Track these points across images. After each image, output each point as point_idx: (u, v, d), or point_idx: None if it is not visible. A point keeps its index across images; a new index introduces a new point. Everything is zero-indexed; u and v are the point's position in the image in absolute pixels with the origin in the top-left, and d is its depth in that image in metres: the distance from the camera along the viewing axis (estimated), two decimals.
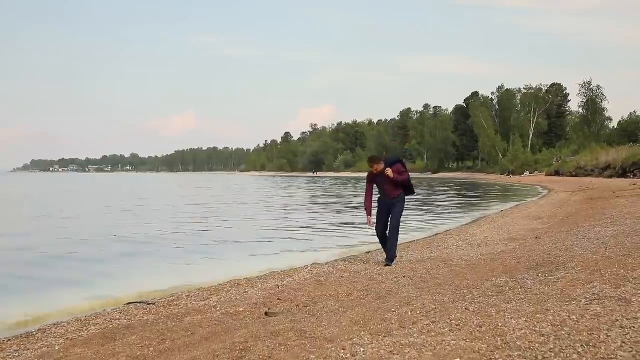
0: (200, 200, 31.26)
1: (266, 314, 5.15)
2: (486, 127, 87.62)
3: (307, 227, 15.79)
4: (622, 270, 5.46)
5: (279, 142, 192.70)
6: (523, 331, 3.63)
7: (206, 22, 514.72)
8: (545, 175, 58.71)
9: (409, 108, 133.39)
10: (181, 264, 9.70)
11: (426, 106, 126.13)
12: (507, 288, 5.32)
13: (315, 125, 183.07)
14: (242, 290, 6.69)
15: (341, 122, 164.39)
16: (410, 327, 4.12)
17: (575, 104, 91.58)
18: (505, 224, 13.74)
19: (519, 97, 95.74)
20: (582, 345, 3.27)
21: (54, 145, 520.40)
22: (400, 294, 5.56)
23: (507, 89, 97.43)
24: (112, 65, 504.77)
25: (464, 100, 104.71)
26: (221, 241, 12.66)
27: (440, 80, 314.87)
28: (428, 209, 22.91)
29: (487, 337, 3.59)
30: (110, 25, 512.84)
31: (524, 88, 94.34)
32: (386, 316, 4.57)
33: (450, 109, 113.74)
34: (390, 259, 7.92)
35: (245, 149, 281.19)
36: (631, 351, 3.16)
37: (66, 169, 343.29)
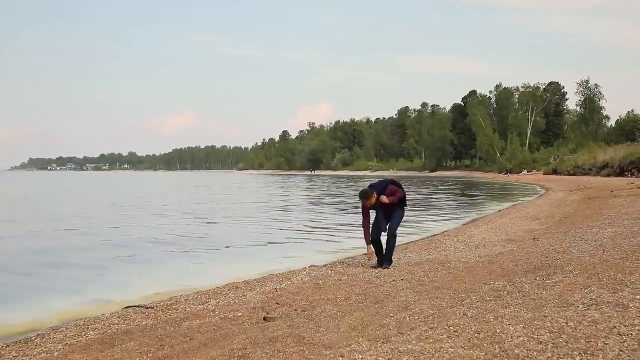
0: (198, 200, 31.24)
1: (264, 318, 5.15)
2: (484, 125, 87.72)
3: (305, 228, 15.81)
4: (620, 274, 5.47)
5: (276, 141, 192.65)
6: (521, 338, 3.64)
7: (205, 22, 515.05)
8: (543, 174, 58.78)
9: (407, 106, 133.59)
10: (179, 266, 9.71)
11: (424, 104, 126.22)
12: (505, 292, 5.34)
13: (313, 123, 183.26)
14: (241, 294, 6.69)
15: (339, 121, 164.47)
16: (409, 333, 4.13)
17: (572, 103, 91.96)
18: (503, 224, 13.77)
19: (517, 96, 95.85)
20: (579, 354, 3.28)
21: (52, 143, 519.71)
22: (399, 298, 5.57)
23: (504, 87, 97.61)
24: (110, 64, 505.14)
25: (462, 98, 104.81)
26: (219, 242, 12.65)
27: (439, 80, 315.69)
28: (426, 209, 22.94)
29: (485, 345, 3.60)
30: (109, 25, 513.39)
31: (521, 86, 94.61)
32: (384, 321, 4.57)
33: (448, 108, 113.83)
34: (388, 260, 7.91)
35: (243, 147, 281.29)
36: (629, 359, 3.17)
37: (64, 167, 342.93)
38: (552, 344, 3.49)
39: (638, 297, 4.52)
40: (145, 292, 7.34)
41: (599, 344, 3.43)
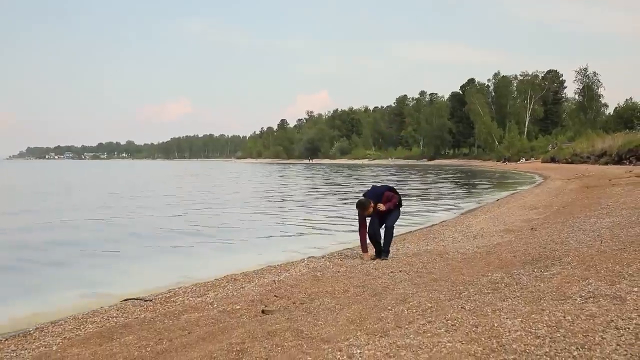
0: (196, 190, 31.22)
1: (263, 311, 5.16)
2: (482, 114, 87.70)
3: (304, 219, 15.81)
4: (618, 266, 5.47)
5: (275, 129, 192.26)
6: (518, 333, 3.65)
7: (202, 9, 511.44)
8: (541, 162, 58.85)
9: (405, 95, 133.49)
10: (177, 258, 9.72)
11: (422, 93, 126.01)
12: (503, 284, 5.34)
13: (311, 112, 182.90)
14: (239, 286, 6.69)
15: (337, 109, 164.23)
16: (407, 326, 4.14)
17: (571, 91, 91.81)
18: (501, 214, 13.78)
19: (515, 84, 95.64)
20: (577, 348, 3.28)
21: (50, 132, 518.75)
22: (397, 291, 5.57)
23: (503, 75, 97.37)
24: (108, 53, 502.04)
25: (460, 87, 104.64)
26: (218, 234, 12.67)
27: (438, 68, 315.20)
28: (424, 198, 22.97)
29: (483, 339, 3.60)
30: (107, 15, 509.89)
31: (520, 75, 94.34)
32: (382, 315, 4.58)
33: (447, 96, 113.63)
34: (386, 252, 7.92)
35: (241, 136, 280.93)
36: (626, 354, 3.17)
37: (62, 156, 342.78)
38: (550, 338, 3.49)
39: (635, 289, 4.52)
40: (144, 284, 7.34)
41: (596, 339, 3.43)
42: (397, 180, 39.11)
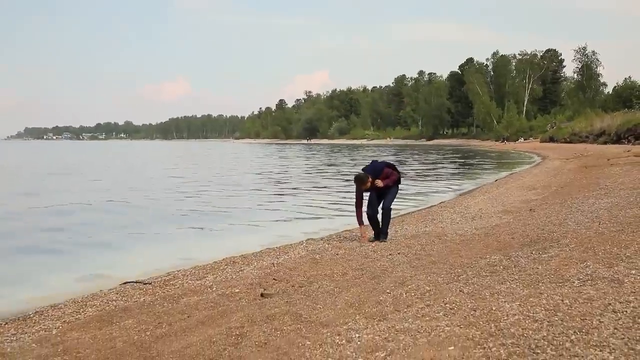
0: (196, 171, 31.17)
1: (262, 295, 5.17)
2: (481, 93, 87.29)
3: (303, 200, 15.81)
4: (615, 248, 5.49)
5: (273, 110, 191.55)
6: (516, 316, 3.66)
7: None
8: (540, 142, 58.70)
9: (404, 75, 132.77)
10: (176, 240, 9.73)
11: (421, 73, 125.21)
12: (501, 267, 5.36)
13: (310, 92, 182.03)
14: (238, 269, 6.70)
15: (335, 89, 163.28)
16: (405, 310, 4.15)
17: (570, 70, 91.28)
18: (499, 194, 13.78)
19: (514, 64, 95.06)
20: (574, 332, 3.30)
21: (48, 113, 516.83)
22: (395, 273, 5.58)
23: (502, 55, 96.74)
24: (104, 32, 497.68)
25: (459, 66, 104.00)
26: (217, 216, 12.68)
27: (436, 48, 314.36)
28: (423, 179, 22.97)
29: (481, 323, 3.62)
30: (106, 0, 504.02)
31: (519, 54, 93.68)
32: (381, 298, 4.60)
33: (445, 76, 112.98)
34: (384, 234, 7.93)
35: (239, 116, 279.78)
36: (623, 338, 3.18)
37: (60, 136, 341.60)
38: (548, 322, 3.51)
39: (633, 272, 4.54)
40: (143, 267, 7.35)
41: (594, 322, 3.45)
42: (397, 160, 39.10)
